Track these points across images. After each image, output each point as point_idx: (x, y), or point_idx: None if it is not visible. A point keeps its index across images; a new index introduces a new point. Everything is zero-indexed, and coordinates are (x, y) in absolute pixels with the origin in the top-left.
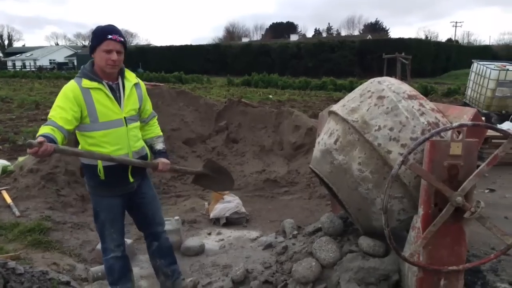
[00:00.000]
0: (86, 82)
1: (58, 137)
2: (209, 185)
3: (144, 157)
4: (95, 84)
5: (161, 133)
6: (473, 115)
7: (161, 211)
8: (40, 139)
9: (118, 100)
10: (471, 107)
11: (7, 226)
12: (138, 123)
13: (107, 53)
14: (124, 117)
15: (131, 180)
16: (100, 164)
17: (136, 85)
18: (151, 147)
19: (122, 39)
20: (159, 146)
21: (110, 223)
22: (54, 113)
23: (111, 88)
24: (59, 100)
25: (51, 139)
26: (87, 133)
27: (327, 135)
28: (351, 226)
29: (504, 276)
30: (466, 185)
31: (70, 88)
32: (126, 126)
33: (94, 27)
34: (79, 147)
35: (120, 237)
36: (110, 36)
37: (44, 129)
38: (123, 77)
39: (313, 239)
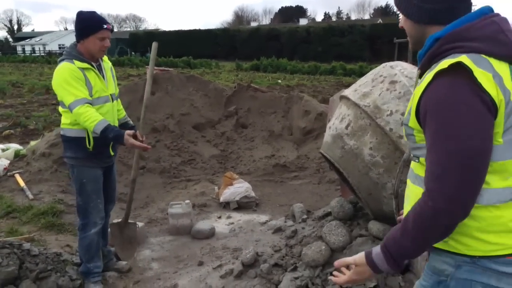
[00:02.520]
0: (78, 63)
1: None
2: (116, 240)
3: None
4: (86, 65)
5: None
6: None
7: (116, 191)
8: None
9: (103, 78)
10: None
11: (21, 209)
12: (117, 101)
13: (101, 41)
14: (110, 94)
15: (112, 153)
16: (91, 135)
17: (110, 67)
18: (126, 124)
19: (112, 27)
20: (131, 122)
21: (96, 193)
22: (79, 93)
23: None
24: (72, 82)
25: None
26: None
27: (339, 120)
28: (361, 210)
29: None
30: None
31: (72, 68)
32: (112, 102)
33: (102, 11)
34: (64, 123)
35: (103, 208)
36: (105, 26)
37: (98, 116)
38: (101, 59)
39: (323, 223)
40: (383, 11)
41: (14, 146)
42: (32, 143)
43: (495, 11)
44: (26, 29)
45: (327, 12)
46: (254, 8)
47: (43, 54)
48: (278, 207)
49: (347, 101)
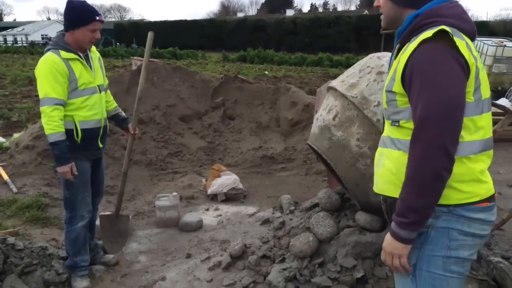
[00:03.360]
0: (64, 54)
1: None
2: (105, 233)
3: (108, 126)
4: (72, 55)
5: None
6: None
7: (104, 183)
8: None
9: (91, 69)
10: None
11: (4, 203)
12: (105, 92)
13: (92, 32)
14: (98, 85)
15: (100, 145)
16: (78, 127)
17: (98, 57)
18: (117, 115)
19: (103, 19)
20: (123, 114)
21: (84, 186)
22: (51, 90)
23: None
24: (49, 76)
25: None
26: (67, 101)
27: (326, 111)
28: (348, 201)
29: (497, 250)
30: None
31: (54, 60)
32: (100, 93)
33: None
34: None
35: (90, 202)
36: (97, 18)
37: (59, 127)
38: (89, 49)
39: (310, 215)
40: (369, 2)
41: None
42: (16, 135)
43: None
44: (7, 18)
45: (313, 3)
46: None
47: (25, 44)
48: (265, 198)
49: (335, 92)
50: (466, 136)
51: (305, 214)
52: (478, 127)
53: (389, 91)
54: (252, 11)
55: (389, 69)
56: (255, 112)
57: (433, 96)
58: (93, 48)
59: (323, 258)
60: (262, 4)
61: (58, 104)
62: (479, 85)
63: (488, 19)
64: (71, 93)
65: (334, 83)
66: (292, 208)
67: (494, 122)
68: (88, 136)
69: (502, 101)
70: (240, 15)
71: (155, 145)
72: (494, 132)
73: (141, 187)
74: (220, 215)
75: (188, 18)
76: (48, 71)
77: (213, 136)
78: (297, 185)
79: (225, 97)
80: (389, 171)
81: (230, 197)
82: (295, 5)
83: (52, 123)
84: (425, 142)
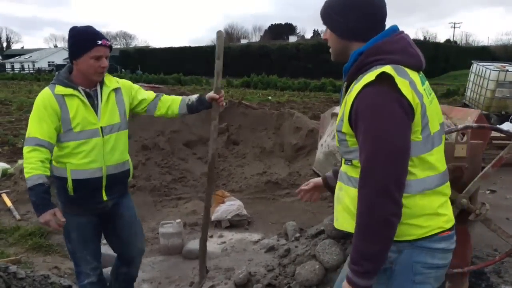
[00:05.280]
0: (59, 89)
1: (47, 166)
2: None
3: (125, 173)
4: (69, 91)
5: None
6: (477, 117)
7: (141, 236)
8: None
9: (95, 107)
10: (474, 109)
11: (7, 230)
12: (120, 133)
13: (96, 60)
14: (101, 127)
15: (105, 198)
16: (69, 177)
17: (116, 90)
18: (190, 106)
19: (109, 43)
20: (193, 98)
21: (82, 244)
22: (34, 130)
23: (88, 95)
24: (35, 114)
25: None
26: (60, 144)
27: (331, 137)
28: None
29: (507, 278)
30: (471, 187)
31: (45, 97)
32: (102, 137)
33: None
34: None
35: (95, 259)
36: (100, 42)
37: (37, 169)
38: (102, 83)
39: (316, 242)
40: None
41: (2, 165)
42: (20, 162)
43: (482, 21)
44: (15, 46)
45: (316, 29)
46: (244, 26)
47: (32, 71)
48: (270, 225)
49: None
50: (418, 174)
51: (310, 241)
52: (429, 164)
53: (339, 131)
54: (255, 38)
55: (340, 106)
56: (259, 137)
57: (376, 142)
58: (111, 80)
59: (330, 287)
60: (265, 30)
61: (39, 145)
62: (427, 122)
63: (489, 44)
64: (65, 134)
65: (338, 109)
66: (298, 235)
67: (501, 147)
68: (82, 187)
69: (506, 126)
70: (243, 41)
71: (159, 170)
72: (501, 158)
73: (144, 213)
74: (224, 242)
75: (192, 45)
76: (36, 108)
77: (217, 161)
78: (302, 211)
79: (229, 123)
80: (347, 208)
81: (234, 223)
82: (297, 31)
83: (28, 165)
84: (370, 189)
